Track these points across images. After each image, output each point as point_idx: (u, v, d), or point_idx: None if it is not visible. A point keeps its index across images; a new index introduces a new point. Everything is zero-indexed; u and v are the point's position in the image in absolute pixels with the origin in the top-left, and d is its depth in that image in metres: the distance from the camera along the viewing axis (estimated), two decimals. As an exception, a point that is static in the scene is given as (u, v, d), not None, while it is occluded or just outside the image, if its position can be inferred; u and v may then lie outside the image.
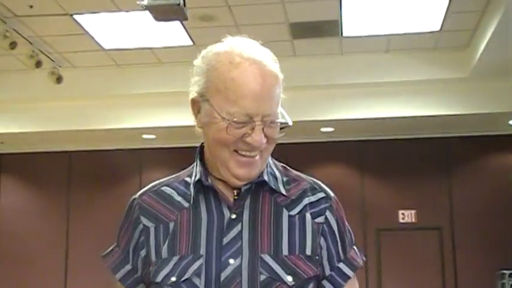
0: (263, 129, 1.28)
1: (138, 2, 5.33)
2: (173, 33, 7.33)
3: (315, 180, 1.44)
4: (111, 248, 1.49)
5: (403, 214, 9.45)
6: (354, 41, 7.82)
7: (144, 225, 1.38)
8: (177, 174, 1.46)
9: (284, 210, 1.35)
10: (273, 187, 1.37)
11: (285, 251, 1.31)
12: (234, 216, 1.32)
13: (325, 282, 1.38)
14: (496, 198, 8.89)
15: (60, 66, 7.92)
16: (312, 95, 8.35)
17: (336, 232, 1.39)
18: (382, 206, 9.44)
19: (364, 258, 1.44)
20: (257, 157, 1.31)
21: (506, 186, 8.14)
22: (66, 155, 10.03)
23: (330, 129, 9.19)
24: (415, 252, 9.26)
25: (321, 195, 1.40)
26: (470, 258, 9.03)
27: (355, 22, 7.24)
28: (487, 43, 6.87)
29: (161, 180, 1.45)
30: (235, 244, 1.30)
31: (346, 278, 1.39)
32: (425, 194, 9.37)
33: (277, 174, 1.41)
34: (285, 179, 1.41)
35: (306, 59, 8.21)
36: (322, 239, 1.36)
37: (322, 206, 1.39)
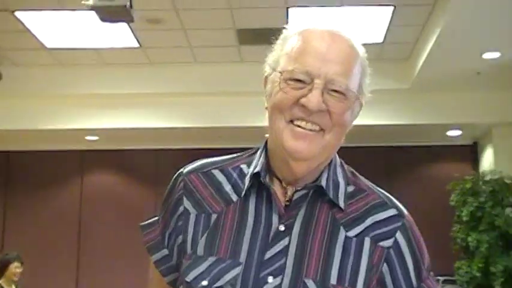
0: (323, 94, 1.14)
1: (83, 2, 5.25)
2: (119, 35, 7.25)
3: (386, 194, 1.27)
4: (152, 219, 1.32)
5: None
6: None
7: (185, 208, 1.23)
8: (233, 156, 1.30)
9: (341, 229, 1.17)
10: (330, 197, 1.19)
11: (333, 280, 1.13)
12: (282, 228, 1.16)
13: None
14: (433, 207, 9.12)
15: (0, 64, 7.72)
16: (260, 101, 8.36)
17: (408, 257, 1.19)
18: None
19: None
20: (316, 133, 1.16)
21: (443, 196, 8.36)
22: (4, 155, 9.77)
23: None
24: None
25: (392, 212, 1.21)
26: (407, 265, 9.22)
27: (302, 30, 7.32)
28: (427, 56, 7.07)
29: (214, 159, 1.30)
30: (278, 261, 1.13)
31: None
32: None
33: (341, 181, 1.23)
34: (349, 188, 1.23)
35: (253, 65, 8.23)
36: (385, 265, 1.16)
37: (392, 227, 1.19)
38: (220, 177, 1.25)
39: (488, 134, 8.85)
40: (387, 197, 1.25)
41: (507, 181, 8.09)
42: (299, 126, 1.15)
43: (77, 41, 7.51)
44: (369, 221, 1.18)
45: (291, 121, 1.16)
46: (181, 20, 6.88)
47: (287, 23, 6.87)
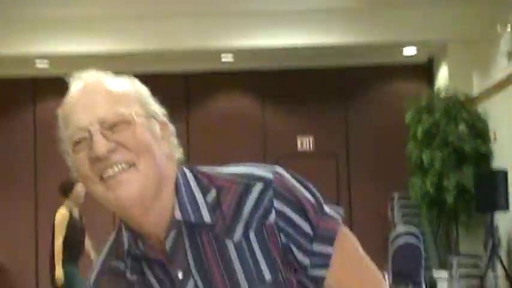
0: (105, 136, 1.10)
1: None
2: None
3: (247, 172, 1.18)
4: None
5: (301, 142, 9.69)
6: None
7: None
8: (115, 237, 1.24)
9: (226, 241, 1.14)
10: (193, 221, 1.14)
11: (244, 286, 1.13)
12: (180, 275, 1.14)
13: (311, 271, 1.17)
14: (389, 125, 9.26)
15: None
16: (212, 22, 8.24)
17: (292, 214, 1.15)
18: (281, 134, 9.63)
19: (341, 213, 1.21)
20: (127, 171, 1.11)
21: (398, 115, 8.48)
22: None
23: (230, 58, 9.16)
24: (312, 178, 9.45)
25: (259, 187, 1.15)
26: (364, 183, 9.45)
27: None
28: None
29: (104, 251, 1.25)
30: None
31: (327, 258, 1.16)
32: (322, 122, 9.63)
33: (198, 196, 1.17)
34: (211, 196, 1.17)
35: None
36: (282, 236, 1.14)
37: (266, 200, 1.15)
38: (120, 264, 1.20)
39: (443, 51, 8.92)
40: (249, 175, 1.17)
41: (461, 98, 8.24)
42: (109, 176, 1.10)
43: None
44: (245, 214, 1.15)
45: (102, 178, 1.11)
46: None
47: None
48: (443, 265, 8.38)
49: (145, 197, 1.11)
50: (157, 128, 1.17)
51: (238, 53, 8.93)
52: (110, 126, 1.11)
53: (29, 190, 9.54)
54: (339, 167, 9.64)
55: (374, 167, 9.42)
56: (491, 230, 6.89)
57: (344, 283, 1.20)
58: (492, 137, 7.96)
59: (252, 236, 1.14)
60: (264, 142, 9.53)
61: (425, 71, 9.64)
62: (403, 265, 7.14)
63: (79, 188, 6.12)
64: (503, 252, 7.24)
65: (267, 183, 1.15)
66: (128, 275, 1.18)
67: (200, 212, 1.15)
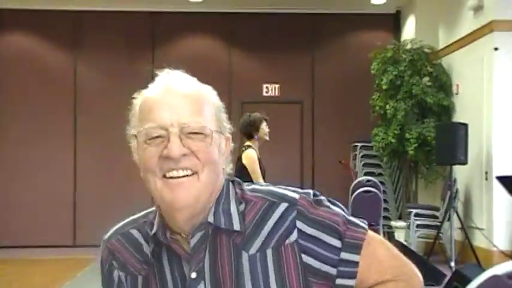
0: (181, 140, 1.18)
1: None
2: None
3: (278, 192, 1.26)
4: None
5: (267, 88, 9.66)
6: None
7: (118, 274, 1.31)
8: (144, 214, 1.34)
9: (243, 252, 1.21)
10: (223, 227, 1.22)
11: None
12: (194, 275, 1.21)
13: (339, 281, 1.22)
14: (354, 75, 9.29)
15: None
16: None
17: (319, 233, 1.21)
18: (247, 79, 9.58)
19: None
20: (190, 178, 1.19)
21: (364, 65, 8.50)
22: None
23: (199, -1, 9.01)
24: (276, 125, 9.57)
25: (283, 207, 1.22)
26: (327, 131, 9.52)
27: None
28: None
29: (129, 220, 1.35)
30: None
31: (355, 264, 1.21)
32: (289, 69, 9.60)
33: (232, 205, 1.25)
34: (241, 207, 1.25)
35: None
36: (304, 255, 1.21)
37: (289, 220, 1.21)
38: (138, 235, 1.30)
39: (411, 3, 8.91)
40: (275, 194, 1.25)
41: (427, 50, 8.28)
42: (172, 177, 1.18)
43: None
44: (266, 230, 1.22)
45: (164, 176, 1.19)
46: None
47: None
48: (402, 215, 8.58)
49: (198, 204, 1.20)
50: (223, 143, 1.26)
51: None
52: (188, 133, 1.19)
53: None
54: (303, 114, 9.67)
55: (338, 116, 9.48)
56: (449, 183, 7.04)
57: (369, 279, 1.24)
58: (455, 91, 8.05)
59: (268, 252, 1.21)
60: (229, 86, 9.47)
61: (392, 22, 9.64)
62: (362, 213, 7.28)
63: (264, 128, 5.87)
64: (459, 204, 7.44)
65: (291, 203, 1.22)
66: (146, 247, 1.27)
67: (231, 220, 1.23)
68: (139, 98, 1.24)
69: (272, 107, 9.66)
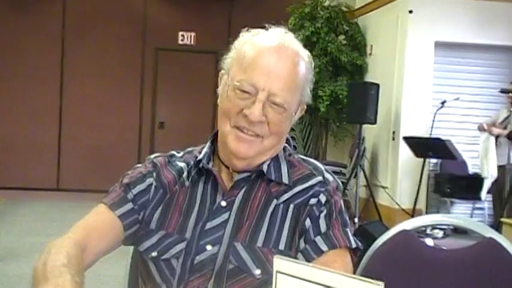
0: (264, 107, 1.28)
1: None
2: None
3: (317, 164, 1.42)
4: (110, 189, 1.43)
5: (182, 36, 9.47)
6: None
7: (152, 181, 1.40)
8: (195, 148, 1.47)
9: (273, 199, 1.35)
10: (272, 178, 1.36)
11: (260, 243, 1.30)
12: (224, 203, 1.33)
13: (298, 255, 1.31)
14: (272, 28, 9.23)
15: None
16: None
17: (324, 213, 1.33)
18: (162, 26, 9.34)
19: (360, 246, 1.35)
20: (255, 138, 1.31)
21: (282, 18, 8.41)
22: None
23: None
24: (191, 74, 9.46)
25: (317, 180, 1.37)
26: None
27: None
28: None
29: (180, 153, 1.47)
30: (217, 232, 1.31)
31: (319, 251, 1.30)
32: (206, 18, 9.42)
33: (282, 162, 1.39)
34: (288, 167, 1.39)
35: None
36: (308, 220, 1.33)
37: (316, 190, 1.35)
38: (182, 165, 1.42)
39: (332, -40, 8.89)
40: (317, 167, 1.40)
41: (344, 9, 8.32)
42: (242, 131, 1.31)
43: None
44: (296, 190, 1.35)
45: (236, 127, 1.31)
46: None
47: None
48: (309, 170, 8.72)
49: (255, 160, 1.35)
50: (298, 112, 1.38)
51: None
52: (272, 102, 1.29)
53: None
54: (218, 64, 9.53)
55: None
56: (357, 141, 7.19)
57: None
58: (369, 51, 8.17)
59: (291, 208, 1.33)
60: (143, 31, 9.20)
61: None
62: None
63: None
64: (366, 163, 7.63)
65: (326, 181, 1.37)
66: (185, 173, 1.39)
67: (281, 175, 1.37)
68: (252, 44, 1.34)
69: (187, 55, 9.52)
